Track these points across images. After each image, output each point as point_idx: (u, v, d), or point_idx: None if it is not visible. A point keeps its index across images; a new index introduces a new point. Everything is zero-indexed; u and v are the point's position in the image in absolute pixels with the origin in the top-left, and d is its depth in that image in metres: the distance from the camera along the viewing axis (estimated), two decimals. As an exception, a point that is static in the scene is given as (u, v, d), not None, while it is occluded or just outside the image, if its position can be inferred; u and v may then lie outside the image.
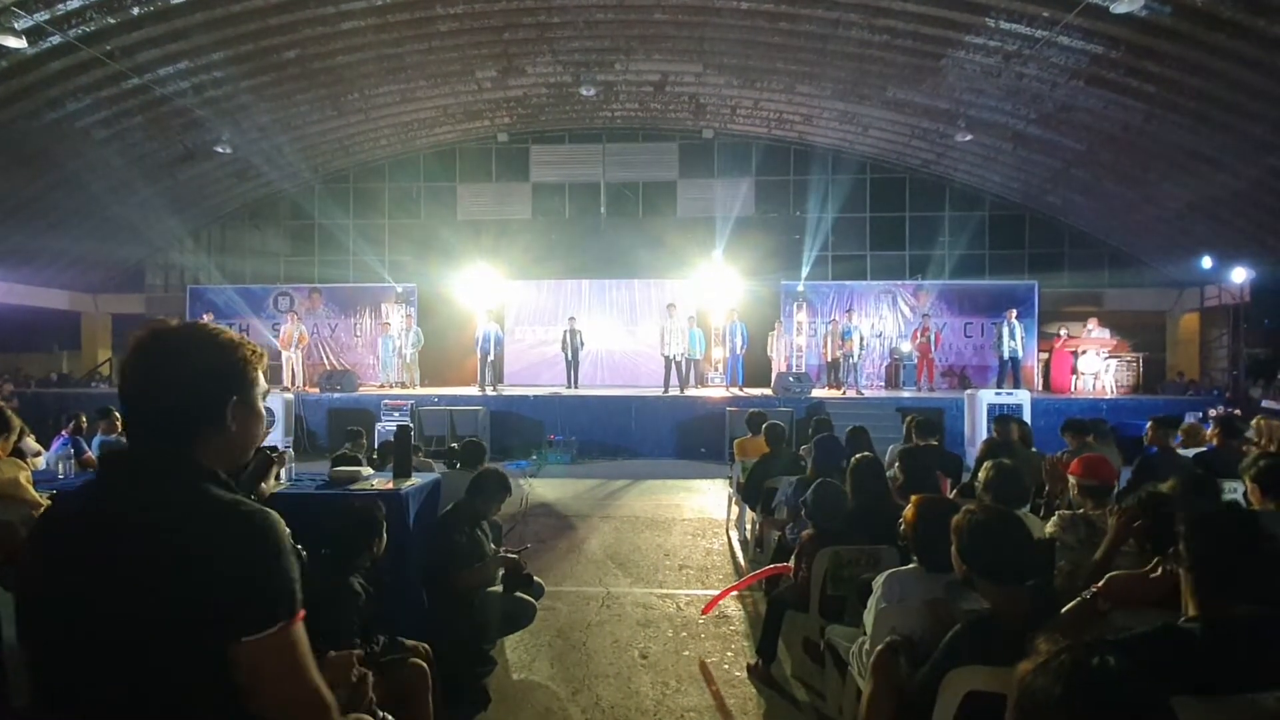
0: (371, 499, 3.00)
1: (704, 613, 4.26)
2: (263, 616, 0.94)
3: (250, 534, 0.96)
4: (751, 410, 7.33)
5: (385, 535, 2.62)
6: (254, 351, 1.12)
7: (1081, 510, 2.93)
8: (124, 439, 6.35)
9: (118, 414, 6.65)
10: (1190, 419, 8.28)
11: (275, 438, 9.83)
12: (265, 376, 1.16)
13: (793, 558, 3.49)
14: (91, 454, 5.83)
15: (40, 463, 5.39)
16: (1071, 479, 3.09)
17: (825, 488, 3.69)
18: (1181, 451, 5.05)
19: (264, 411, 1.14)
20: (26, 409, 11.07)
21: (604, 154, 15.71)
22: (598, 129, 15.54)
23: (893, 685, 2.02)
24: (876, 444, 5.46)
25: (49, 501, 3.19)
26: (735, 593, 4.58)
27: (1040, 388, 13.29)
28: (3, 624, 2.30)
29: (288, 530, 1.01)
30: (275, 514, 1.01)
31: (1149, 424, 4.95)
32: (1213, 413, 9.45)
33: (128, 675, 0.93)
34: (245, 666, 0.93)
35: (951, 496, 4.19)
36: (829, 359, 13.02)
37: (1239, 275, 12.25)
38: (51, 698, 0.97)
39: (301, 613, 0.98)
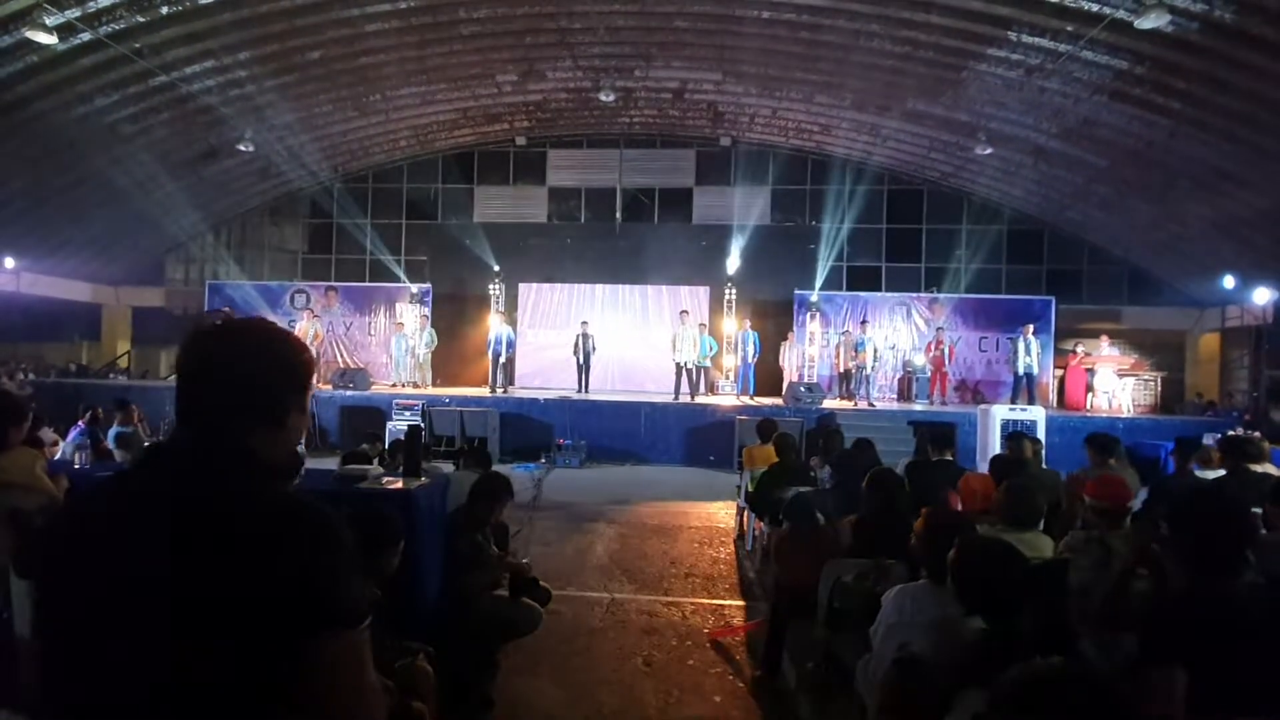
0: (389, 500, 3.01)
1: (713, 635, 4.13)
2: (352, 614, 0.95)
3: (332, 533, 0.96)
4: (761, 419, 7.29)
5: (401, 545, 2.56)
6: (311, 355, 1.15)
7: (1095, 531, 2.88)
8: (140, 431, 6.44)
9: (134, 406, 6.74)
10: (1209, 441, 8.13)
11: (288, 433, 9.89)
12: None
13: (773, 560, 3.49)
14: (108, 444, 5.91)
15: (57, 452, 5.47)
16: (1086, 499, 3.04)
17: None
18: (1200, 474, 4.96)
19: (309, 413, 1.15)
20: (46, 398, 11.24)
21: (621, 159, 15.76)
22: (615, 134, 15.60)
23: (900, 704, 1.99)
24: (888, 457, 5.41)
25: (61, 490, 3.22)
26: (739, 604, 4.54)
27: (1055, 404, 13.13)
28: (15, 613, 2.32)
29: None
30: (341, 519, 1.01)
31: (1176, 446, 4.87)
32: (1231, 434, 9.28)
33: (177, 668, 0.89)
34: (321, 663, 0.92)
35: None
36: (841, 370, 12.94)
37: (1262, 296, 12.05)
38: (76, 690, 0.94)
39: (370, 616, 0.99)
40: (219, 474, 0.98)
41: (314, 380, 1.14)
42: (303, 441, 10.25)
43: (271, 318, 14.71)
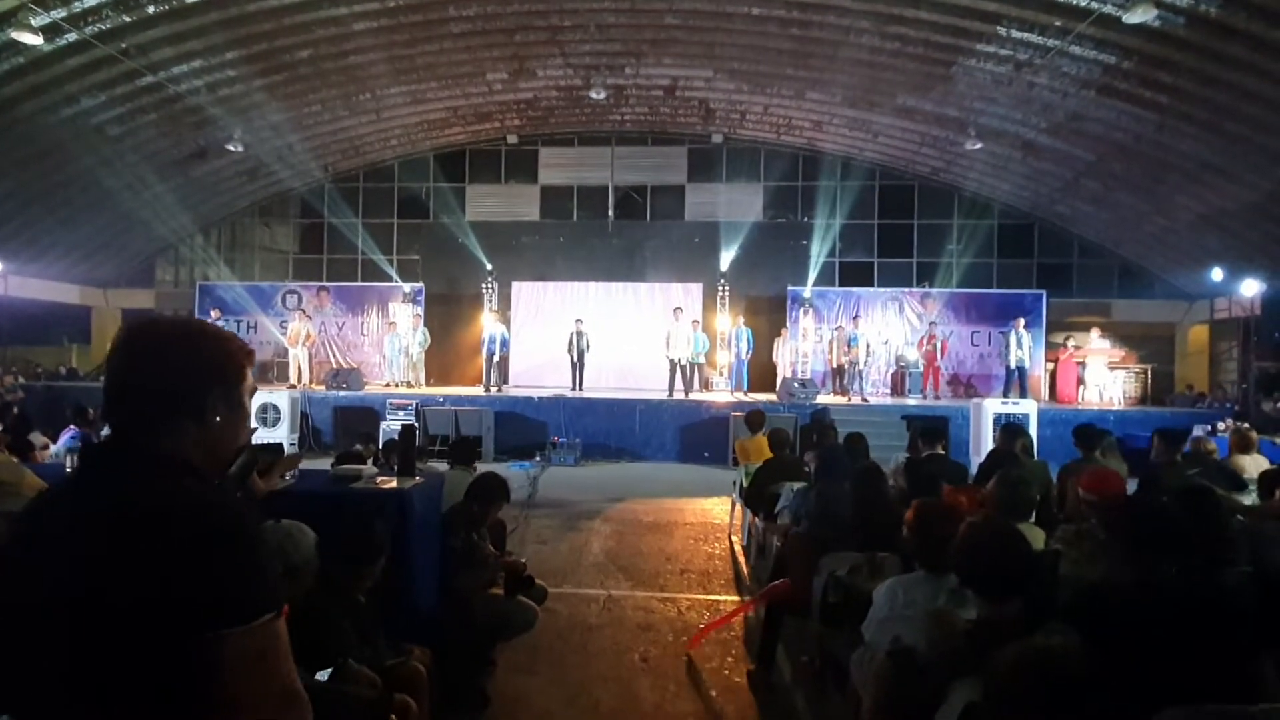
0: (374, 501, 3.01)
1: (690, 647, 3.81)
2: (247, 609, 0.92)
3: (228, 528, 0.94)
4: (750, 411, 7.31)
5: (382, 561, 2.55)
6: (241, 348, 1.10)
7: (1086, 523, 2.91)
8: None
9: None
10: (1199, 432, 8.22)
11: (280, 435, 9.87)
12: (253, 374, 1.13)
13: (781, 561, 3.49)
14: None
15: (48, 455, 5.44)
16: (1080, 491, 3.07)
17: (829, 491, 3.67)
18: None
19: (249, 409, 1.11)
20: (36, 402, 11.17)
21: (613, 157, 15.75)
22: (607, 132, 15.58)
23: (894, 696, 2.01)
24: (881, 451, 5.44)
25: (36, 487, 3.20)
26: (735, 599, 4.56)
27: (1046, 397, 13.22)
28: None
29: (261, 532, 1.00)
30: (247, 514, 0.99)
31: (1154, 438, 4.90)
32: (1222, 426, 9.37)
33: (86, 673, 0.90)
34: (224, 660, 0.90)
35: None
36: (834, 365, 12.99)
37: (1250, 288, 12.15)
38: (12, 697, 0.95)
39: (285, 608, 0.97)
40: (126, 474, 0.97)
41: (245, 373, 1.09)
42: (295, 442, 10.25)
43: (263, 319, 14.82)
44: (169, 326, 1.09)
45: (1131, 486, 4.03)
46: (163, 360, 1.03)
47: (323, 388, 12.11)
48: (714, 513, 7.26)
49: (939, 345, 13.14)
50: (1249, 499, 4.25)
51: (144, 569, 0.90)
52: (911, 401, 12.49)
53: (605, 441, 10.97)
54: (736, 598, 4.74)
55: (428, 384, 13.26)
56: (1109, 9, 8.35)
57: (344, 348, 14.87)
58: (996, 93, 11.28)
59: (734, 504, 6.52)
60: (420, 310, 14.11)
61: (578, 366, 12.51)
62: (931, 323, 13.67)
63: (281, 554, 2.12)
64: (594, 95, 12.66)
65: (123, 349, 1.04)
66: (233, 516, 0.96)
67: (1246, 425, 7.20)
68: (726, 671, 3.60)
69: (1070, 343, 13.16)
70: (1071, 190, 13.69)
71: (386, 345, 13.52)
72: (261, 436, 8.74)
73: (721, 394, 13.04)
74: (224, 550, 0.93)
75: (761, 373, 13.40)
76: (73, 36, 9.18)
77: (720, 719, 3.17)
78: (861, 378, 12.52)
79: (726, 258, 14.62)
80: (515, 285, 14.84)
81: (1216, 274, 12.82)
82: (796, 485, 4.51)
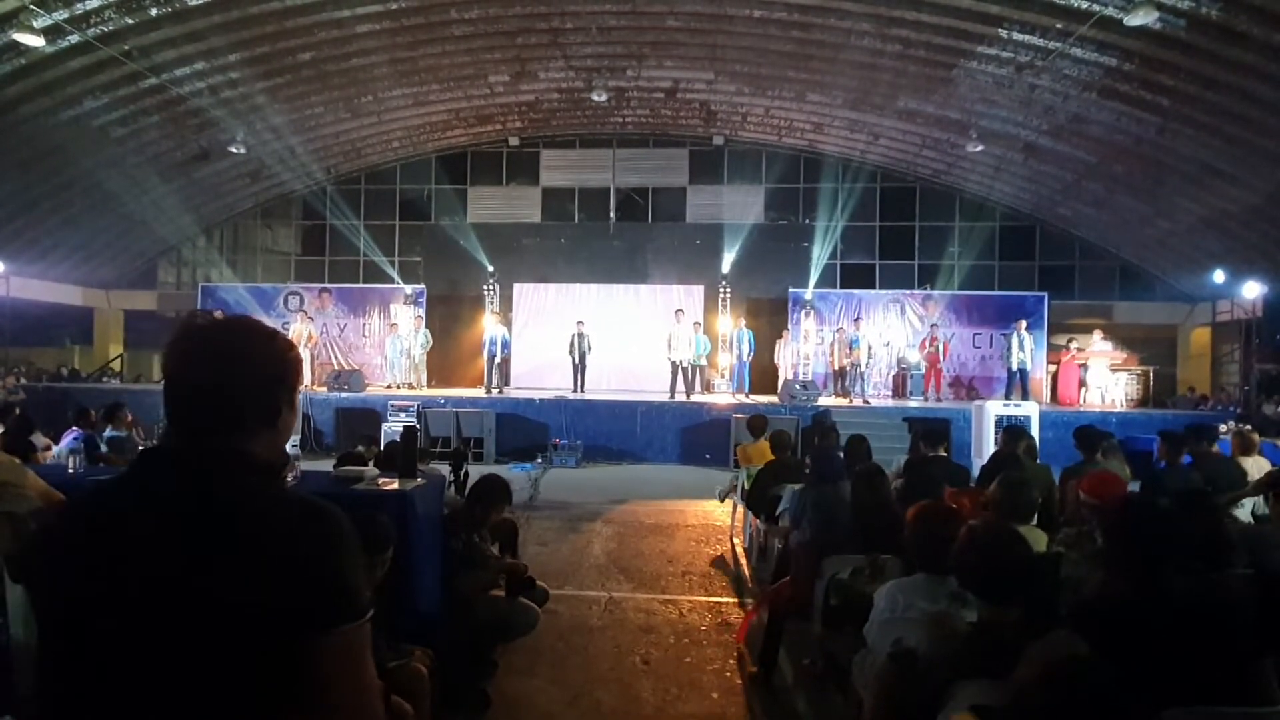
0: (376, 502, 3.01)
1: (738, 640, 3.94)
2: (356, 607, 0.94)
3: (334, 529, 0.96)
4: (752, 415, 7.30)
5: (390, 551, 2.57)
6: (296, 349, 1.13)
7: (1087, 526, 2.91)
8: (134, 435, 6.40)
9: (127, 409, 6.70)
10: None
11: (282, 436, 9.86)
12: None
13: (783, 563, 3.49)
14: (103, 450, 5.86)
15: (50, 456, 5.44)
16: (1081, 495, 3.07)
17: (826, 494, 3.67)
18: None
19: (299, 409, 1.14)
20: (37, 403, 11.18)
21: (614, 159, 15.77)
22: (608, 134, 15.60)
23: (894, 698, 2.01)
24: (882, 453, 5.44)
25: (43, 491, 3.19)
26: (736, 600, 4.55)
27: (1048, 400, 13.20)
28: (10, 617, 2.31)
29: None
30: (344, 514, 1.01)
31: (1159, 440, 4.91)
32: (1224, 428, 9.35)
33: (184, 675, 0.89)
34: (327, 658, 0.91)
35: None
36: (836, 367, 12.98)
37: (1251, 290, 12.14)
38: (83, 699, 0.93)
39: None
40: (216, 476, 0.97)
41: (302, 377, 1.13)
42: (297, 443, 10.25)
43: (265, 320, 14.86)
44: (234, 330, 1.07)
45: (1132, 489, 4.03)
46: (236, 364, 1.02)
47: (324, 389, 12.12)
48: (715, 515, 7.25)
49: (940, 347, 13.13)
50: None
51: (265, 572, 0.90)
52: (913, 403, 12.48)
53: (607, 443, 10.97)
54: (737, 600, 4.74)
55: (429, 385, 13.27)
56: (1110, 11, 8.36)
57: (345, 349, 14.88)
58: (998, 95, 11.29)
59: (735, 506, 6.52)
60: (422, 312, 14.11)
61: (579, 368, 12.51)
62: (933, 325, 13.65)
63: None
64: (595, 97, 12.68)
65: (192, 352, 1.02)
66: (340, 518, 0.98)
67: (1248, 427, 7.18)
68: (728, 674, 3.60)
69: (1072, 345, 13.13)
70: (1073, 192, 13.68)
71: (388, 347, 13.53)
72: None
73: (723, 396, 13.03)
74: (339, 552, 0.95)
75: (763, 375, 13.40)
76: (75, 38, 9.21)
77: (721, 721, 3.16)
78: (863, 380, 12.52)
79: (728, 259, 14.62)
80: (517, 287, 14.85)
81: (1218, 276, 12.81)
82: (796, 487, 4.50)
